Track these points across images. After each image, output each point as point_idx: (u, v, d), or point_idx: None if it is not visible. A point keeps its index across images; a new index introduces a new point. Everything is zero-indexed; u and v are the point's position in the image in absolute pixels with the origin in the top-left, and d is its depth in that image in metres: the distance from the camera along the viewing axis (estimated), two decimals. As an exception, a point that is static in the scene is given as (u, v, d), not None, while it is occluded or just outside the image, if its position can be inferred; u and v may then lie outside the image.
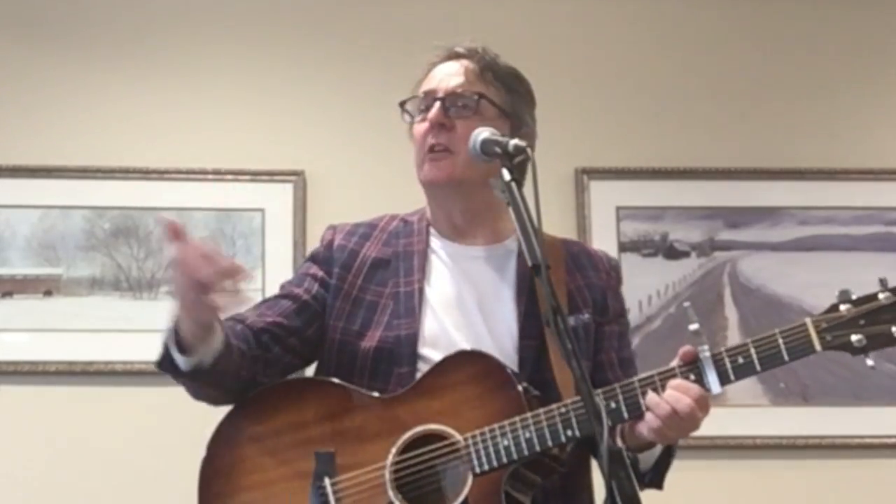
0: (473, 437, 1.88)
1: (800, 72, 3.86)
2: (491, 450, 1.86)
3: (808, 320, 1.86)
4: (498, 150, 1.87)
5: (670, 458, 1.98)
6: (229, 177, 3.61)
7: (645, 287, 3.64)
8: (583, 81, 3.79)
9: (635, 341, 3.39)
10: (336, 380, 2.01)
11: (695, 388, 1.85)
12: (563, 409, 1.87)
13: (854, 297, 1.87)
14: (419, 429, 1.91)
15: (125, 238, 3.57)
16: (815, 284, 3.67)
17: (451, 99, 2.06)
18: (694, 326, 1.90)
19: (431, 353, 1.99)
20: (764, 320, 3.63)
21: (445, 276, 2.07)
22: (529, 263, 1.75)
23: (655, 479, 1.98)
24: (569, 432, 1.86)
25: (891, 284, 1.86)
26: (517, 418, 1.87)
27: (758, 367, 1.86)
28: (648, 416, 1.85)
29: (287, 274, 3.45)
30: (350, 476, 1.91)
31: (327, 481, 1.90)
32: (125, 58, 3.70)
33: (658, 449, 1.95)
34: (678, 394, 1.84)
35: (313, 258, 2.16)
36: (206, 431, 2.04)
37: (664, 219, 3.72)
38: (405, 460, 1.90)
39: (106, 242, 3.56)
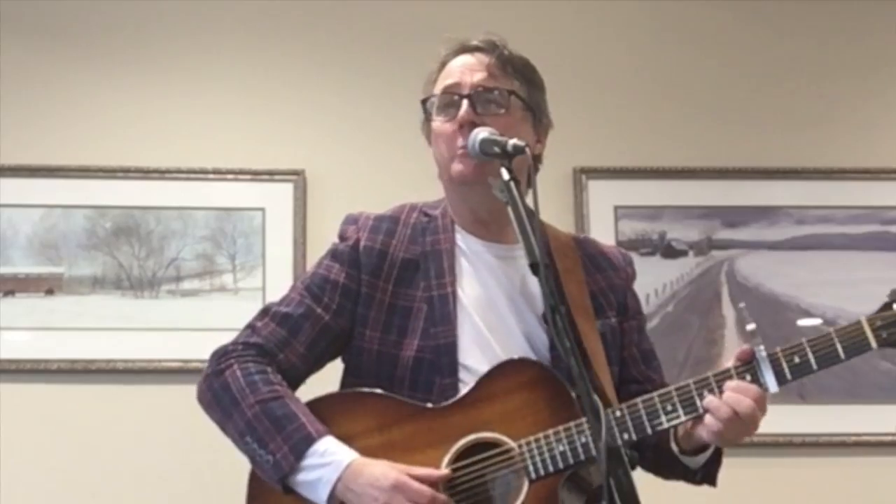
0: (528, 443, 1.87)
1: (797, 72, 3.88)
2: (546, 456, 1.85)
3: (862, 319, 1.88)
4: (497, 149, 1.87)
5: (720, 455, 1.99)
6: (230, 176, 3.63)
7: (643, 286, 3.58)
8: (581, 81, 3.80)
9: (633, 340, 3.42)
10: (383, 391, 1.96)
11: (753, 389, 1.85)
12: (618, 413, 1.87)
13: None
14: (472, 437, 1.89)
15: (126, 237, 3.58)
16: (812, 283, 3.69)
17: (478, 95, 2.01)
18: (751, 326, 1.92)
19: (472, 361, 1.96)
20: (761, 319, 3.64)
21: (475, 276, 2.04)
22: (528, 262, 1.73)
23: (707, 477, 2.00)
24: (625, 435, 1.86)
25: None
26: (572, 424, 1.86)
27: (814, 367, 1.87)
28: (708, 419, 1.85)
29: (287, 273, 3.50)
30: None
31: None
32: (127, 58, 3.71)
33: (702, 456, 1.95)
34: (738, 395, 1.84)
35: (337, 257, 2.08)
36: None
37: (662, 218, 3.74)
38: (458, 469, 1.87)
39: (107, 241, 3.58)
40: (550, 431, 1.86)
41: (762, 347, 1.88)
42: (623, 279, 2.15)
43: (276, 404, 1.92)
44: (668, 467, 2.03)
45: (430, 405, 1.93)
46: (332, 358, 2.08)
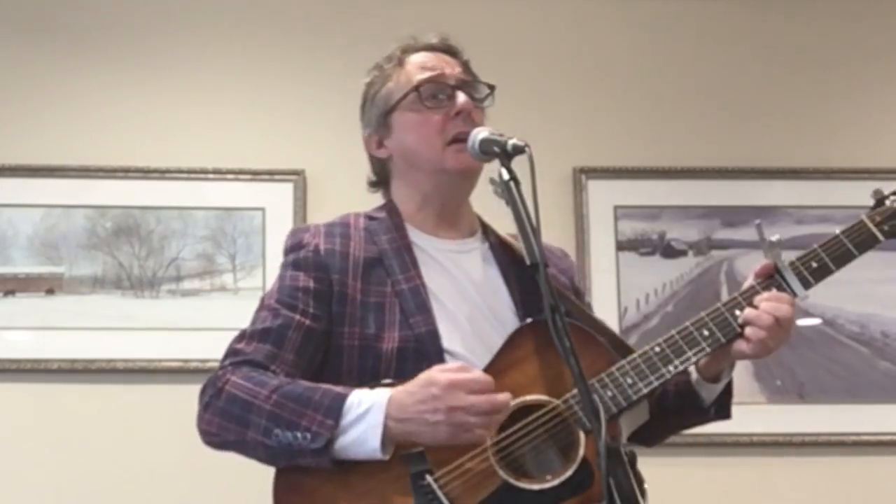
0: (573, 396, 1.84)
1: (796, 72, 3.88)
2: (598, 403, 1.79)
3: (863, 216, 2.03)
4: (496, 149, 1.86)
5: (731, 387, 2.02)
6: (230, 176, 3.63)
7: (642, 286, 3.66)
8: (581, 81, 3.81)
9: (633, 339, 3.42)
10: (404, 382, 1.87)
11: (787, 296, 1.93)
12: (657, 349, 1.90)
13: (888, 191, 2.07)
14: (512, 404, 1.81)
15: (127, 237, 3.59)
16: (810, 283, 3.69)
17: (467, 88, 2.05)
18: (775, 237, 1.97)
19: (455, 346, 1.93)
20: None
21: (437, 270, 2.03)
22: (528, 262, 1.75)
23: (721, 411, 2.03)
24: (670, 367, 1.89)
25: None
26: (613, 368, 1.87)
27: (832, 267, 1.98)
28: (749, 330, 1.90)
29: (287, 273, 3.51)
30: (451, 468, 1.81)
31: (429, 478, 1.78)
32: (127, 58, 3.71)
33: (721, 383, 1.99)
34: (775, 303, 1.91)
35: (300, 265, 2.02)
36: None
37: (661, 218, 3.74)
38: (505, 438, 1.83)
39: (108, 241, 3.58)
40: (594, 380, 1.85)
41: (783, 259, 1.95)
42: (567, 265, 2.20)
43: (291, 386, 1.85)
44: (675, 413, 2.05)
45: None
46: (322, 365, 2.02)
